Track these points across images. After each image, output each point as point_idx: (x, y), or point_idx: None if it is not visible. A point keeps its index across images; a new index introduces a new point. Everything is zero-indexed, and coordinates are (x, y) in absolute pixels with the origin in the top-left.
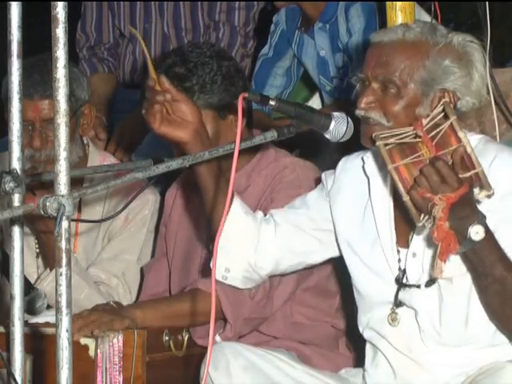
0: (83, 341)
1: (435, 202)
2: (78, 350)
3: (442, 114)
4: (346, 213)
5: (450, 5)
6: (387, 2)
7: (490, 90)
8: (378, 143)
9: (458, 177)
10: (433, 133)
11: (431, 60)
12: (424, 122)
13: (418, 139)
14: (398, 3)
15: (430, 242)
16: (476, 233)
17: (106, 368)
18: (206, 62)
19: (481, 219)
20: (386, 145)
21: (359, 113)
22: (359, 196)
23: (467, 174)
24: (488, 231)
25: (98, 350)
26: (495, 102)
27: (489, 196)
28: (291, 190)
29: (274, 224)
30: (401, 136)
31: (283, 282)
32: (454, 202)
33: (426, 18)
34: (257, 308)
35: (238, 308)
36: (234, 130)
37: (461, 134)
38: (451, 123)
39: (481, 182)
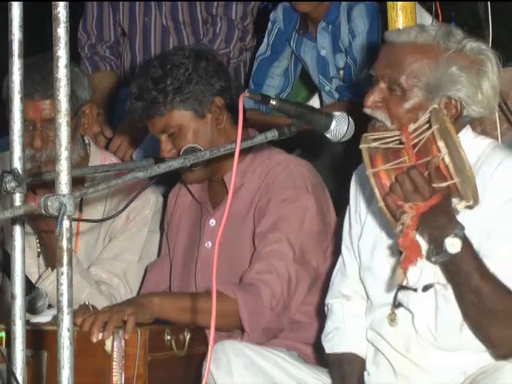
0: (99, 335)
1: (405, 209)
2: (94, 345)
3: (428, 120)
4: (363, 220)
5: (450, 4)
6: (388, 2)
7: None
8: (361, 146)
9: (431, 187)
10: (415, 140)
11: (439, 66)
12: (411, 127)
13: (402, 145)
14: (399, 3)
15: None
16: (452, 245)
17: (120, 363)
18: (182, 63)
19: (458, 231)
20: (370, 148)
21: (366, 110)
22: (365, 198)
23: (443, 184)
24: (466, 242)
25: (115, 345)
26: None
27: (469, 207)
28: (287, 190)
29: None
30: (387, 140)
31: (298, 289)
32: (423, 211)
33: (427, 17)
34: (276, 319)
35: (257, 317)
36: (215, 128)
37: (440, 144)
38: (432, 132)
39: (459, 192)
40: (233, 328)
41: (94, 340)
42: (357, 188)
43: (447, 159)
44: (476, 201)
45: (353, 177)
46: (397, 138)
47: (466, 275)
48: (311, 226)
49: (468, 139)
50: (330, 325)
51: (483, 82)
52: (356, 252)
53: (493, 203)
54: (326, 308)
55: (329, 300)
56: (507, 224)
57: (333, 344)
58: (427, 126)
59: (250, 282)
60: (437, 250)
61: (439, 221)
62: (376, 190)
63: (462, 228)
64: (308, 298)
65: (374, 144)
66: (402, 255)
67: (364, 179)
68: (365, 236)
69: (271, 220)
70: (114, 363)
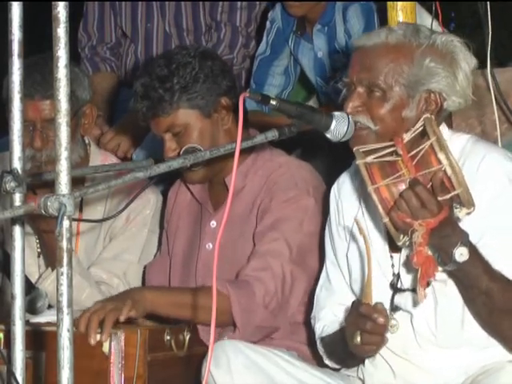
0: (97, 337)
1: (415, 227)
2: (92, 346)
3: (423, 129)
4: (349, 231)
5: (450, 4)
6: (388, 2)
7: (491, 90)
8: (357, 162)
9: (438, 201)
10: (413, 152)
11: (415, 62)
12: (405, 137)
13: (399, 157)
14: (399, 3)
15: None
16: (460, 254)
17: (119, 364)
18: (189, 62)
19: (464, 239)
20: (365, 163)
21: None
22: (352, 205)
23: (447, 196)
24: (472, 248)
25: (112, 346)
26: (496, 101)
27: (469, 213)
28: (288, 192)
29: None
30: (382, 153)
31: (295, 289)
32: (433, 227)
33: (427, 17)
34: (269, 317)
35: (250, 315)
36: (220, 128)
37: (441, 156)
38: (431, 143)
39: (461, 201)
40: (225, 324)
41: (93, 342)
42: (338, 200)
43: (449, 171)
44: (474, 206)
45: (332, 190)
46: (391, 149)
47: (476, 279)
48: (310, 227)
49: (446, 136)
50: (319, 326)
51: (457, 71)
52: (342, 265)
53: (482, 199)
54: (312, 321)
55: (315, 312)
56: (500, 218)
57: (333, 328)
58: (421, 135)
59: (244, 279)
60: (444, 259)
61: (445, 231)
62: (379, 207)
63: (467, 235)
64: (306, 298)
65: (370, 158)
66: (418, 273)
67: (344, 191)
68: (353, 246)
69: (271, 220)
70: (112, 364)
